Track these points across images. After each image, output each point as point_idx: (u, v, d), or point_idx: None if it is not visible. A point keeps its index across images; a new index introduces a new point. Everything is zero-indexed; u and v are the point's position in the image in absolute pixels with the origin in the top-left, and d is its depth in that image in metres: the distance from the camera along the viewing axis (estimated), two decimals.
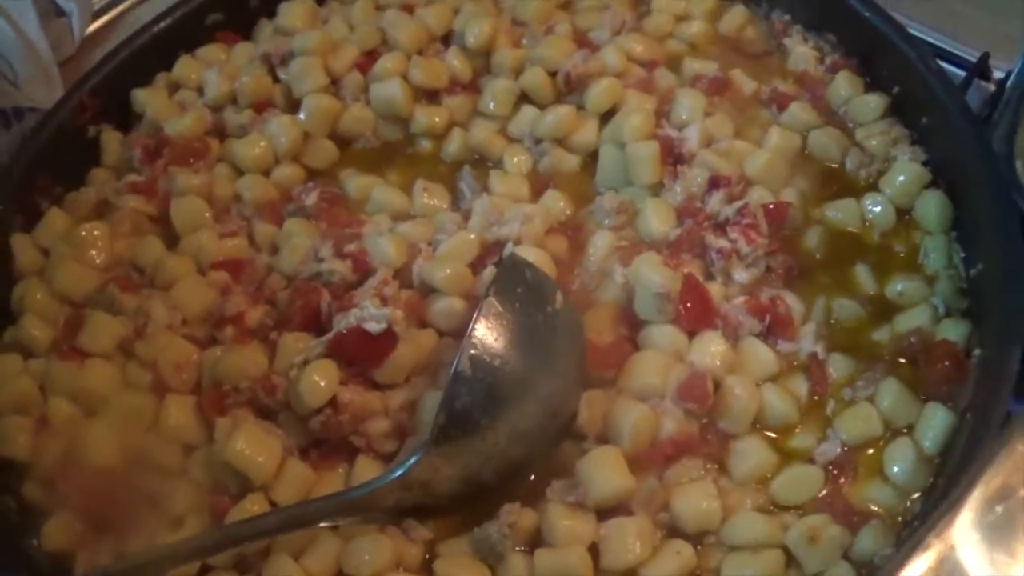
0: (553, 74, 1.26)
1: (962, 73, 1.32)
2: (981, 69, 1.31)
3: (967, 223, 1.13)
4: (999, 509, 0.81)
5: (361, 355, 1.03)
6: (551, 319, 1.01)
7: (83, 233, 1.16)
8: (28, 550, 1.02)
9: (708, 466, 1.02)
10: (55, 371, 1.08)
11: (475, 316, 0.97)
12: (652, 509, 0.98)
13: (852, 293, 1.12)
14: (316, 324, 1.07)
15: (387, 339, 1.03)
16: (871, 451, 1.02)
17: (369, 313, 1.03)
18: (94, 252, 1.16)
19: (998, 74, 1.30)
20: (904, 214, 1.16)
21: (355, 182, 1.22)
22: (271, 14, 1.35)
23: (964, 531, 0.81)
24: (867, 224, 1.16)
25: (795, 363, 1.07)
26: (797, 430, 1.04)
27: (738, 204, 1.12)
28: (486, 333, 0.97)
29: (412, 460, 0.96)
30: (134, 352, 1.09)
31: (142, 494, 1.03)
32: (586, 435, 1.02)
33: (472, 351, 0.96)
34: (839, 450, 1.02)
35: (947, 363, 1.03)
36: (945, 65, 1.25)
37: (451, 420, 0.96)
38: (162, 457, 1.04)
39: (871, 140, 1.20)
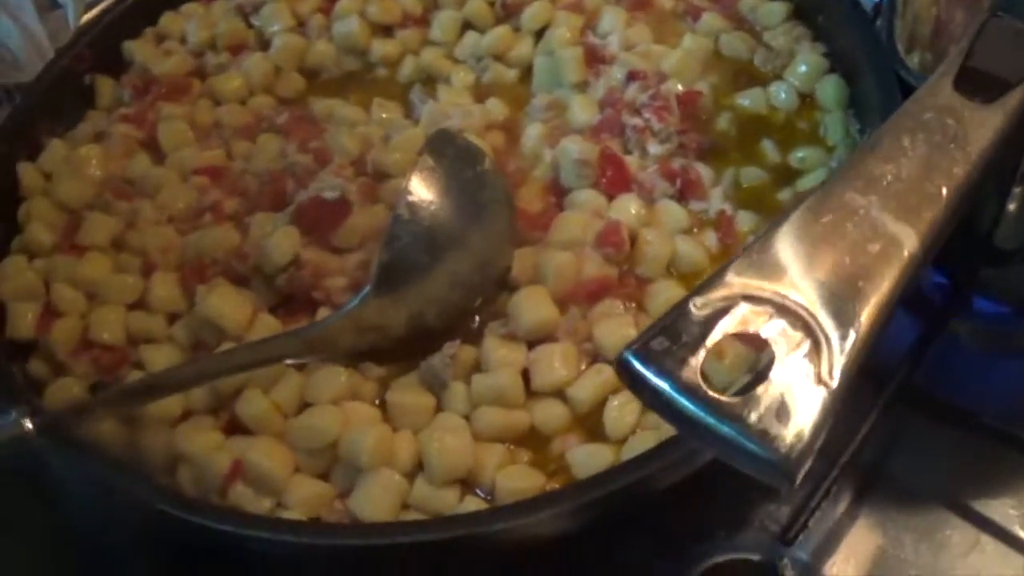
0: (491, 4, 1.47)
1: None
2: None
3: (860, 100, 1.31)
4: None
5: (320, 221, 1.21)
6: (480, 176, 1.20)
7: (81, 153, 1.36)
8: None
9: (627, 305, 1.18)
10: (57, 264, 1.27)
11: (410, 171, 1.17)
12: (576, 339, 1.15)
13: (758, 163, 1.30)
14: (283, 206, 1.25)
15: (342, 206, 1.21)
16: None
17: (326, 184, 1.22)
18: (91, 169, 1.35)
19: None
20: (806, 98, 1.35)
21: (320, 104, 1.42)
22: None
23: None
24: (773, 108, 1.35)
25: (705, 219, 1.25)
26: (708, 274, 1.20)
27: (651, 91, 1.31)
28: (420, 184, 1.16)
29: (362, 294, 1.14)
30: (126, 244, 1.27)
31: (131, 361, 1.22)
32: (519, 285, 1.19)
33: (409, 198, 1.15)
34: None
35: None
36: None
37: (393, 258, 1.14)
38: (150, 327, 1.23)
39: (776, 39, 1.39)
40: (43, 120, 1.43)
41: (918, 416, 1.24)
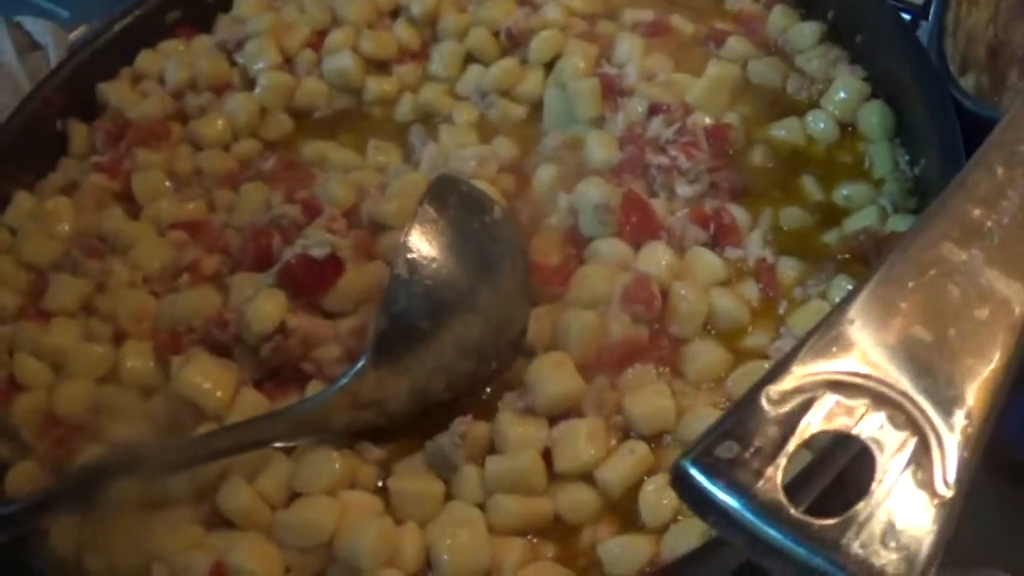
0: (496, 34, 1.23)
1: (910, 17, 1.30)
2: (926, 10, 1.28)
3: (909, 126, 1.08)
4: None
5: (308, 282, 0.98)
6: (489, 228, 0.97)
7: (48, 207, 1.13)
8: None
9: (661, 370, 0.96)
10: (21, 332, 1.04)
11: (409, 223, 0.94)
12: (604, 412, 0.93)
13: (799, 202, 1.07)
14: (268, 264, 1.02)
15: (333, 265, 0.98)
16: None
17: (314, 240, 0.99)
18: (59, 225, 1.12)
19: None
20: (847, 127, 1.12)
21: (310, 147, 1.19)
22: (227, 9, 1.33)
23: None
24: (811, 140, 1.12)
25: (743, 268, 1.02)
26: (750, 331, 0.98)
27: (677, 125, 1.08)
28: (421, 238, 0.93)
29: (357, 366, 0.92)
30: (96, 309, 1.05)
31: (104, 440, 0.99)
32: (536, 349, 0.97)
33: (408, 255, 0.92)
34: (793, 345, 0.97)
35: None
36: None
37: (392, 324, 0.92)
38: (122, 403, 1.00)
39: (810, 63, 1.16)
40: (11, 169, 1.19)
41: None
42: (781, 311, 1.00)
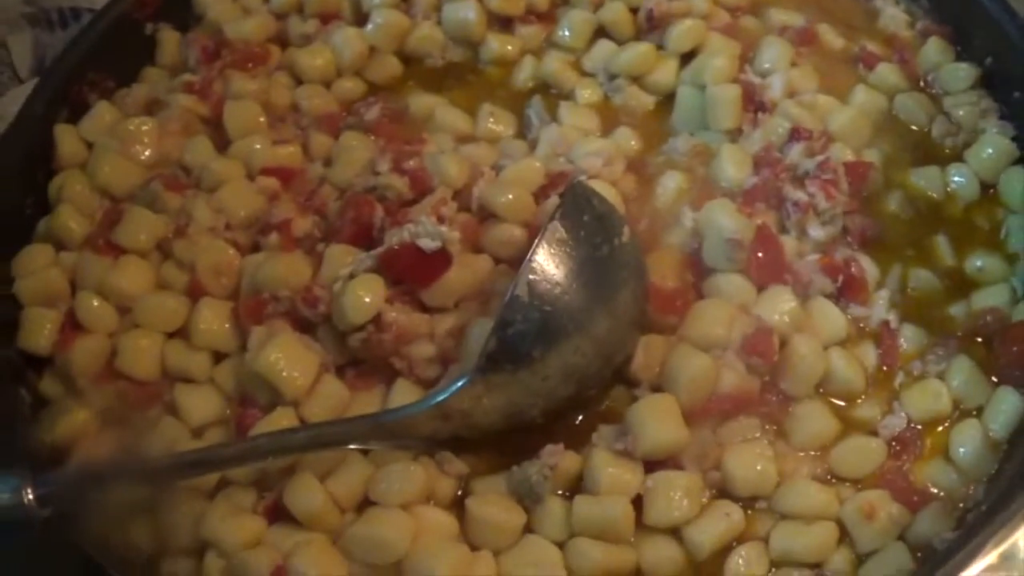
0: (634, 11, 1.15)
1: None
2: None
3: None
4: None
5: (412, 273, 0.92)
6: (616, 253, 0.90)
7: (130, 127, 1.05)
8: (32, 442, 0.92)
9: (766, 427, 0.91)
10: (87, 264, 0.98)
11: (537, 240, 0.86)
12: (703, 466, 0.88)
13: (930, 264, 1.02)
14: (366, 239, 0.95)
15: (441, 258, 0.92)
16: (937, 430, 0.93)
17: (424, 229, 0.92)
18: (140, 147, 1.05)
19: None
20: (988, 188, 1.05)
21: (418, 100, 1.11)
22: None
23: None
24: (949, 194, 1.05)
25: (865, 329, 0.97)
26: (861, 400, 0.94)
27: (819, 158, 1.01)
28: (547, 259, 0.86)
29: (457, 385, 0.86)
30: (172, 252, 0.98)
31: (163, 399, 0.94)
32: (640, 381, 0.92)
33: (531, 276, 0.85)
34: (904, 425, 0.92)
35: (1022, 346, 0.94)
36: None
37: (501, 347, 0.85)
38: (189, 364, 0.94)
39: (959, 110, 1.09)
40: (92, 72, 1.11)
41: None
42: (896, 384, 0.95)
